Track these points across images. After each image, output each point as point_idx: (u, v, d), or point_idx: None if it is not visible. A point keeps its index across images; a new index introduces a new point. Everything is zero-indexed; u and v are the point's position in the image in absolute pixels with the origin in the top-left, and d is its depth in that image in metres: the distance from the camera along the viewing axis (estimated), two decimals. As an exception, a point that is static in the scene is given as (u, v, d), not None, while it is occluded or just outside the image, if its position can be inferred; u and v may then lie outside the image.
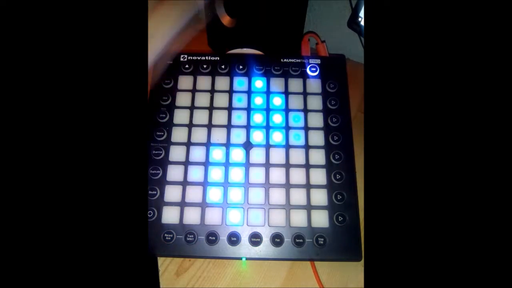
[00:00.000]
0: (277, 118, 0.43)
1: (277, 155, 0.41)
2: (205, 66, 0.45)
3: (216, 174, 0.40)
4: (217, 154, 0.41)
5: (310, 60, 0.46)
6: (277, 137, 0.42)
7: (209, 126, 0.42)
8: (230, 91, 0.44)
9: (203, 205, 0.38)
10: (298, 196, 0.39)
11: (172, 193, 0.39)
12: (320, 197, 0.39)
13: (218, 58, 0.46)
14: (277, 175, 0.40)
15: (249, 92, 0.44)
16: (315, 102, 0.44)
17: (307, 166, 0.40)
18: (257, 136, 0.42)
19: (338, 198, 0.39)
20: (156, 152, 0.40)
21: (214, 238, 0.37)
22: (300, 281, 0.38)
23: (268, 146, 0.41)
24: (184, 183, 0.39)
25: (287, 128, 0.42)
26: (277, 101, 0.44)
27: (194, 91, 0.44)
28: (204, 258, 0.39)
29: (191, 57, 0.46)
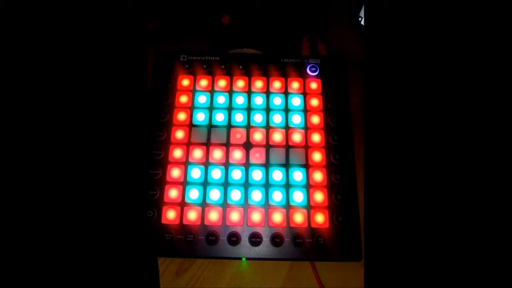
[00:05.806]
0: (277, 118, 0.43)
1: (277, 155, 0.41)
2: (205, 66, 0.45)
3: (216, 174, 0.40)
4: (217, 154, 0.41)
5: (310, 60, 0.46)
6: (277, 137, 0.42)
7: (209, 126, 0.42)
8: (230, 91, 0.44)
9: (203, 205, 0.38)
10: (298, 196, 0.39)
11: (172, 193, 0.39)
12: (320, 197, 0.39)
13: (218, 58, 0.46)
14: (277, 175, 0.40)
15: (249, 92, 0.44)
16: (315, 102, 0.44)
17: (307, 166, 0.40)
18: (257, 136, 0.42)
19: (338, 198, 0.39)
20: (156, 152, 0.40)
21: (214, 238, 0.37)
22: (300, 281, 0.38)
23: (268, 146, 0.41)
24: (184, 183, 0.39)
25: (287, 128, 0.42)
26: (277, 101, 0.44)
27: (194, 91, 0.44)
28: (204, 258, 0.39)
29: (191, 57, 0.46)
